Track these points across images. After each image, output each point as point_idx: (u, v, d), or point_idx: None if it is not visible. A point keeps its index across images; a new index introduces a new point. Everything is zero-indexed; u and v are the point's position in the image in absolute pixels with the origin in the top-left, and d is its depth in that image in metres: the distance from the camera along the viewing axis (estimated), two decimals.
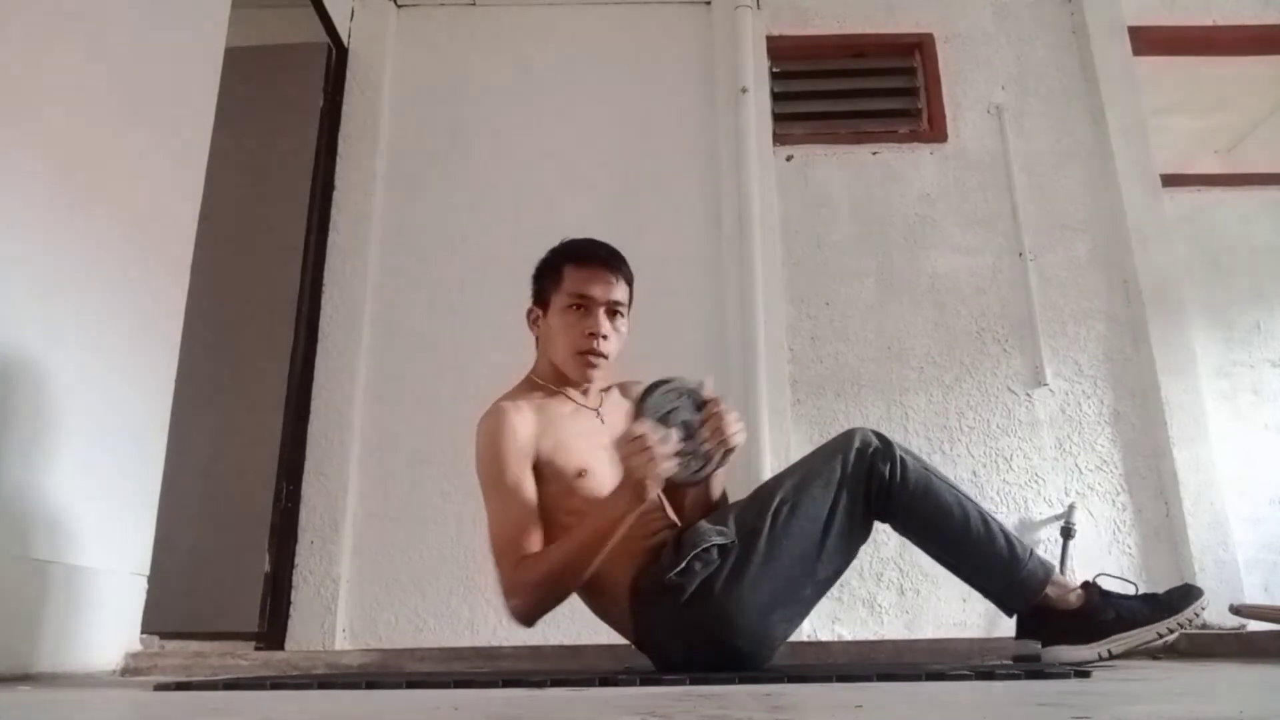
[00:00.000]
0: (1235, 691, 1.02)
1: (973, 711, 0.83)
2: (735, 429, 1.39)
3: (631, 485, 1.34)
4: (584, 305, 1.55)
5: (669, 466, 1.34)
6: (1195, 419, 2.72)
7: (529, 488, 1.49)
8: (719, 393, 1.42)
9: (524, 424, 1.52)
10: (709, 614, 1.40)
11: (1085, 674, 1.22)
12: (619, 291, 1.58)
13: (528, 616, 1.45)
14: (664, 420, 1.37)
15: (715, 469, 1.43)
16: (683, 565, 1.38)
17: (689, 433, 1.38)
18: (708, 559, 1.40)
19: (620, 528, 1.38)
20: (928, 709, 0.86)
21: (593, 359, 1.55)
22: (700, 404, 1.40)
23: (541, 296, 1.63)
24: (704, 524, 1.46)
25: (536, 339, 1.66)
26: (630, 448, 1.32)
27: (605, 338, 1.55)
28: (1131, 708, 0.85)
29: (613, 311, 1.57)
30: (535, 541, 1.46)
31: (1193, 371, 2.78)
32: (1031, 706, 0.83)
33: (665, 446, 1.33)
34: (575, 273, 1.57)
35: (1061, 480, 2.73)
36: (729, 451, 1.40)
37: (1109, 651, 1.41)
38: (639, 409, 1.38)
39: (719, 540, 1.42)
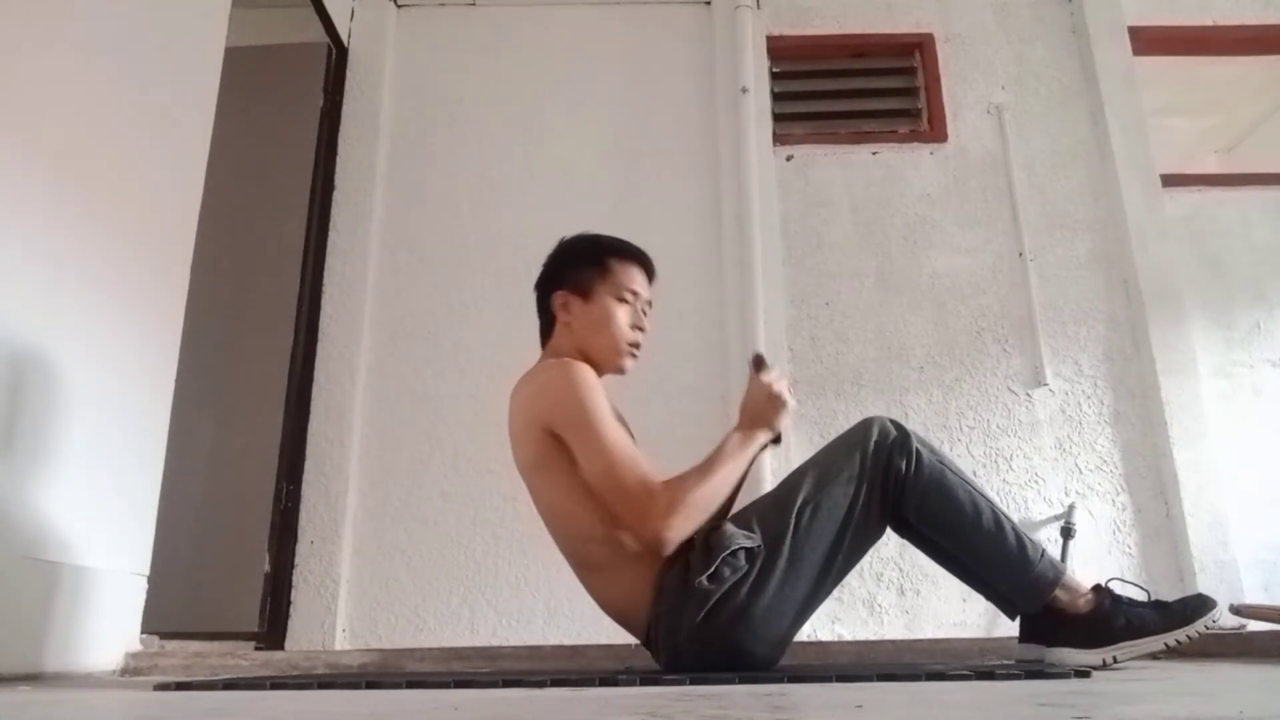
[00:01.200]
0: (1235, 691, 1.02)
1: (973, 711, 0.83)
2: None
3: (770, 426, 1.52)
4: (632, 301, 1.61)
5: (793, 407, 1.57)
6: (1195, 419, 2.72)
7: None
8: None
9: (598, 381, 1.52)
10: (736, 622, 1.39)
11: (1085, 674, 1.22)
12: (651, 291, 1.67)
13: (680, 534, 1.41)
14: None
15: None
16: (712, 570, 1.38)
17: None
18: (735, 564, 1.40)
19: (751, 464, 1.54)
20: (928, 709, 0.86)
21: (635, 352, 1.62)
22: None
23: (583, 284, 1.61)
24: (730, 526, 1.45)
25: (561, 324, 1.62)
26: (780, 386, 1.53)
27: (644, 333, 1.63)
28: (1131, 708, 0.85)
29: (645, 311, 1.66)
30: (653, 471, 1.43)
31: (1193, 371, 2.78)
32: (1031, 706, 0.83)
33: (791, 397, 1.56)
34: (625, 268, 1.62)
35: (1061, 480, 2.73)
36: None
37: (1114, 658, 1.38)
38: (763, 368, 1.57)
39: (746, 544, 1.41)
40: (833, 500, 1.45)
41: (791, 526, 1.43)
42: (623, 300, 1.60)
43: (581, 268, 1.63)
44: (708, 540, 1.43)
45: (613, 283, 1.60)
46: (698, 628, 1.39)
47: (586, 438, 1.44)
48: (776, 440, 1.57)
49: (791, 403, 1.56)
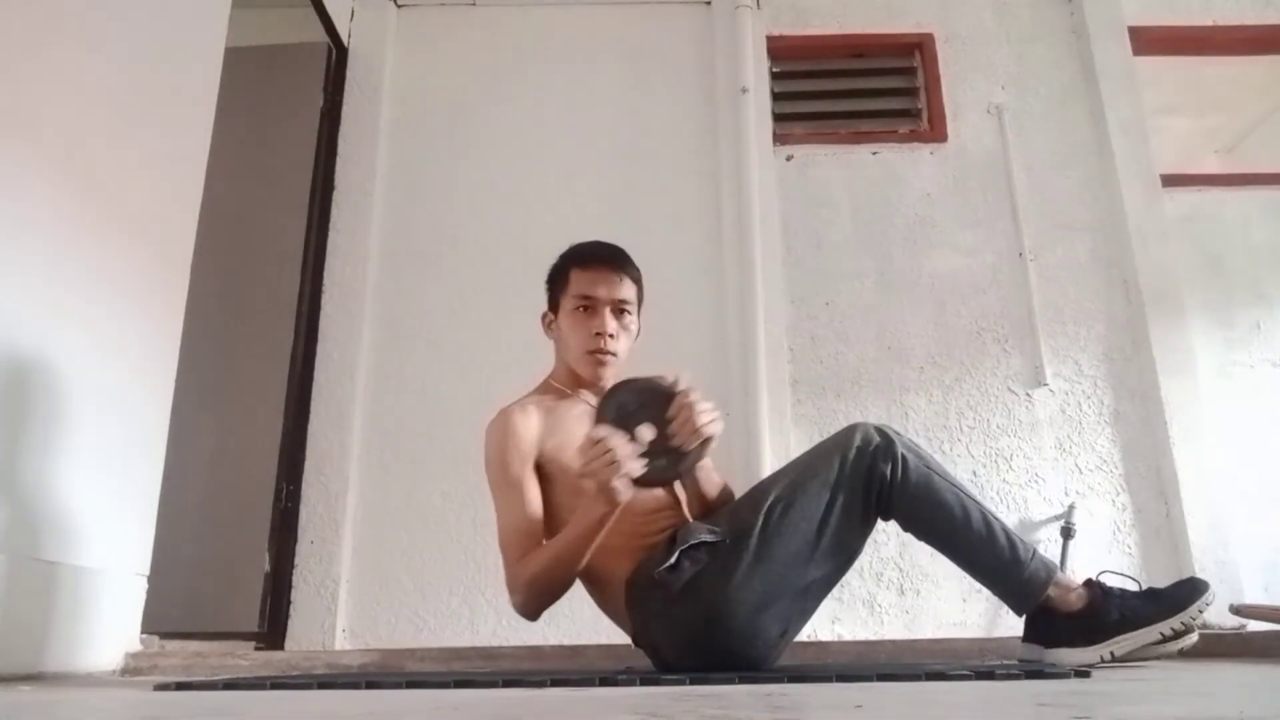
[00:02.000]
0: (1235, 691, 1.02)
1: (973, 711, 0.83)
2: (708, 420, 1.38)
3: (598, 492, 1.34)
4: (590, 306, 1.59)
5: (634, 468, 1.31)
6: (1195, 419, 2.72)
7: (530, 488, 1.52)
8: (703, 384, 1.43)
9: (528, 426, 1.55)
10: (698, 610, 1.40)
11: (1085, 674, 1.22)
12: (624, 290, 1.61)
13: (526, 611, 1.50)
14: (626, 420, 1.35)
15: (691, 464, 1.41)
16: (671, 561, 1.39)
17: (659, 430, 1.36)
18: (696, 556, 1.41)
19: (598, 532, 1.39)
20: (928, 709, 0.86)
21: (601, 357, 1.58)
22: (669, 399, 1.38)
23: (553, 301, 1.66)
24: (695, 523, 1.48)
25: (556, 343, 1.68)
26: (591, 453, 1.32)
27: (613, 336, 1.58)
28: (1131, 708, 0.85)
29: (619, 310, 1.60)
30: (535, 540, 1.50)
31: (1193, 371, 2.78)
32: (1031, 706, 0.83)
33: (626, 448, 1.31)
34: (580, 274, 1.61)
35: (1061, 480, 2.73)
36: (705, 443, 1.38)
37: (1111, 654, 1.38)
38: (599, 412, 1.38)
39: (708, 538, 1.42)
40: (806, 499, 1.44)
41: (760, 522, 1.42)
42: (581, 309, 1.59)
43: (553, 286, 1.67)
44: (673, 535, 1.45)
45: (571, 293, 1.61)
46: (662, 617, 1.42)
47: (492, 496, 1.56)
48: (664, 481, 1.41)
49: (631, 468, 1.31)
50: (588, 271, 1.60)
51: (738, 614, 1.40)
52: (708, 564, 1.41)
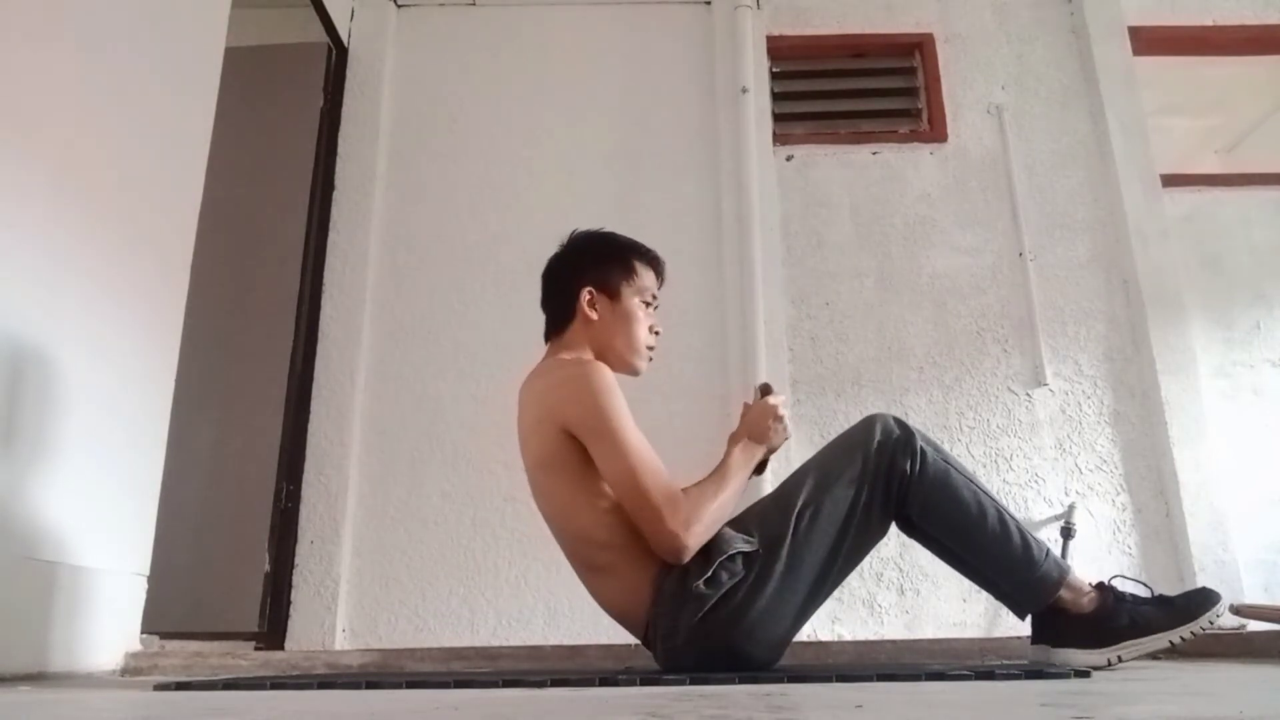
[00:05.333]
0: (1235, 691, 1.02)
1: (973, 711, 0.83)
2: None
3: (769, 445, 1.57)
4: (651, 304, 1.65)
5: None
6: (1195, 419, 2.72)
7: None
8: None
9: None
10: (732, 624, 1.39)
11: (1085, 673, 1.22)
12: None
13: (699, 544, 1.42)
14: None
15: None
16: (710, 574, 1.38)
17: None
18: (732, 568, 1.40)
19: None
20: (928, 709, 0.86)
21: (652, 355, 1.65)
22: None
23: (609, 283, 1.60)
24: (728, 530, 1.45)
25: (583, 320, 1.59)
26: (779, 414, 1.59)
27: (659, 337, 1.67)
28: (1131, 708, 0.85)
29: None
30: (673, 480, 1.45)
31: (1193, 371, 2.78)
32: (1031, 706, 0.83)
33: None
34: (648, 272, 1.65)
35: (1061, 480, 2.73)
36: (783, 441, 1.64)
37: (1119, 658, 1.39)
38: (769, 391, 1.65)
39: (744, 548, 1.41)
40: (833, 503, 1.44)
41: (790, 530, 1.42)
42: (646, 303, 1.63)
43: (609, 266, 1.62)
44: (706, 544, 1.43)
45: (638, 285, 1.62)
46: (694, 630, 1.39)
47: (609, 442, 1.41)
48: (761, 469, 1.61)
49: (791, 431, 1.63)
50: (653, 271, 1.66)
51: (772, 628, 1.41)
52: (743, 576, 1.40)
